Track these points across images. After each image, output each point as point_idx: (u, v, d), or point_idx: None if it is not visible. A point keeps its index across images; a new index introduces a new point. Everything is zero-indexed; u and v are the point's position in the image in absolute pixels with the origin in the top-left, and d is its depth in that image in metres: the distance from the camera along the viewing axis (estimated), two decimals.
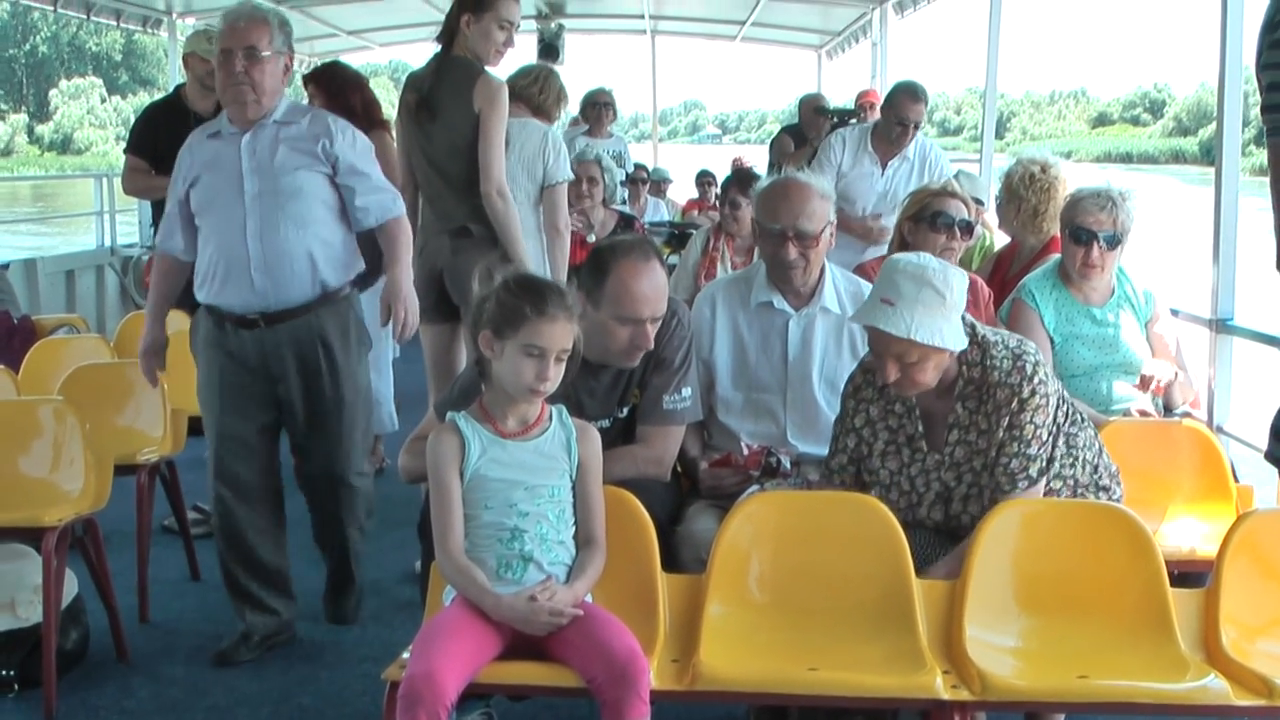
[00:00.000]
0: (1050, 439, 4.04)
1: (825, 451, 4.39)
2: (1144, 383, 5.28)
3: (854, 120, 9.95)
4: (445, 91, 6.05)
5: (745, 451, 4.48)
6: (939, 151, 8.60)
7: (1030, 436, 3.99)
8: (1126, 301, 5.41)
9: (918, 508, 4.14)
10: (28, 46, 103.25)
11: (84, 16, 14.03)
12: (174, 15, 14.66)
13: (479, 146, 5.97)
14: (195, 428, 6.66)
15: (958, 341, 3.94)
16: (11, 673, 5.07)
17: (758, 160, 13.73)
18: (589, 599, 3.66)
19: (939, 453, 4.10)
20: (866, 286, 4.71)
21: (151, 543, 6.00)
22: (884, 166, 8.05)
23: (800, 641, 3.75)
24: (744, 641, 3.72)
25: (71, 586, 5.32)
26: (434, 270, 6.20)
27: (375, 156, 5.54)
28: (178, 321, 7.92)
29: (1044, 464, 4.03)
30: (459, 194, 6.09)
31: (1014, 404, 3.97)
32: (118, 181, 13.89)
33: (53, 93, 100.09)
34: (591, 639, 3.47)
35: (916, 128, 8.07)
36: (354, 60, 10.23)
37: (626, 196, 11.09)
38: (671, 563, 4.01)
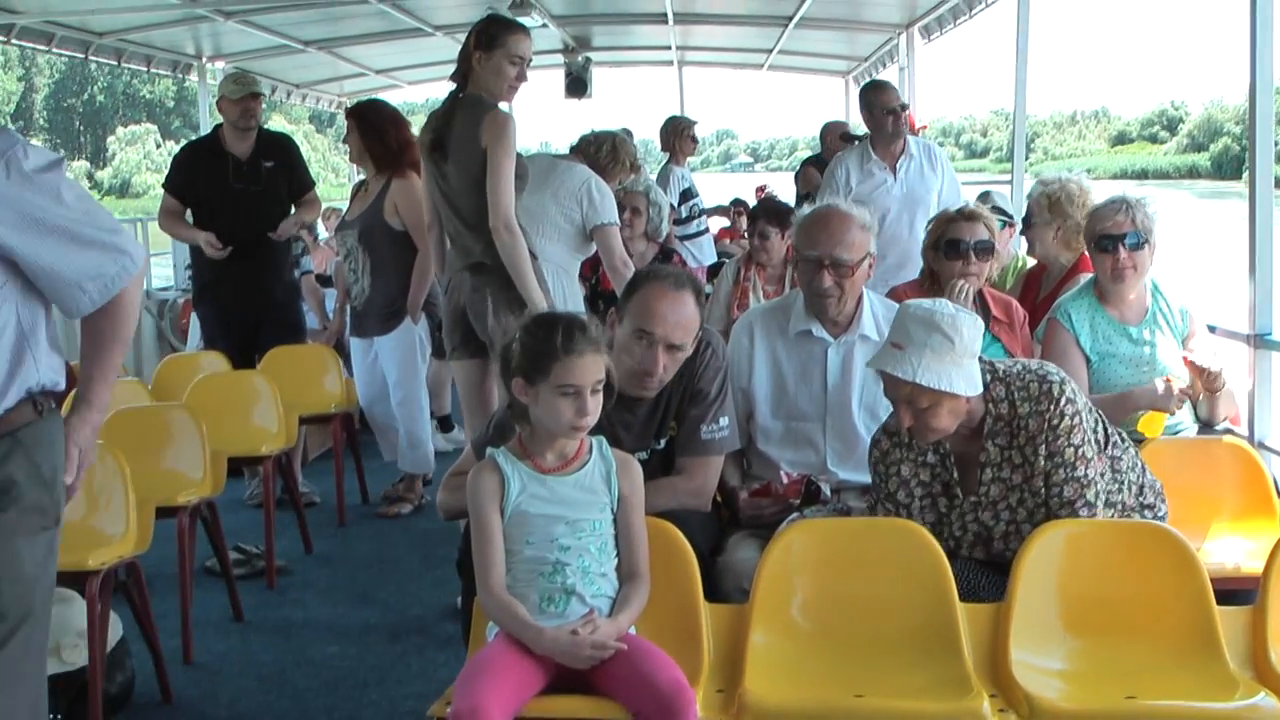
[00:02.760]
0: (1095, 457, 4.01)
1: (866, 479, 4.40)
2: (1194, 369, 5.25)
3: None
4: (458, 129, 6.08)
5: (785, 480, 4.47)
6: (936, 147, 8.72)
7: (1075, 459, 3.96)
8: (1163, 318, 5.39)
9: (958, 551, 4.11)
10: (85, 96, 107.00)
11: (114, 63, 14.15)
12: (203, 59, 14.77)
13: (487, 182, 5.98)
14: (235, 469, 6.72)
15: (970, 387, 3.91)
16: (58, 717, 5.06)
17: (784, 186, 13.73)
18: (633, 631, 3.65)
19: (974, 494, 4.08)
20: None
21: (193, 584, 6.00)
22: (894, 171, 8.06)
23: (845, 669, 3.74)
24: (789, 670, 3.70)
25: (116, 630, 5.34)
26: (459, 307, 6.24)
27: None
28: (214, 364, 8.01)
29: (1099, 488, 4.00)
30: (474, 231, 6.11)
31: (1046, 432, 3.95)
32: (152, 225, 14.04)
33: (110, 139, 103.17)
34: (637, 671, 3.45)
35: (904, 110, 8.14)
36: (389, 98, 10.25)
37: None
38: (713, 593, 4.00)
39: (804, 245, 4.65)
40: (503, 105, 6.13)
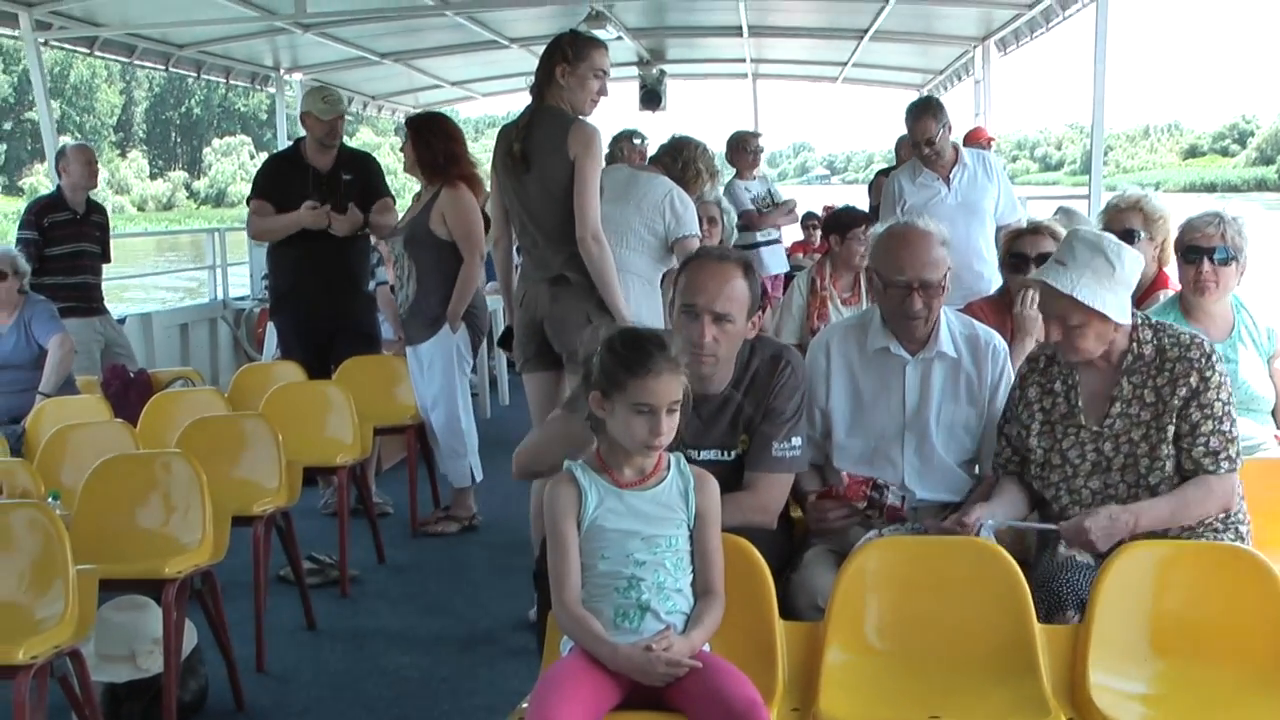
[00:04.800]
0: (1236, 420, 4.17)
1: (944, 498, 4.46)
2: None
3: None
4: (540, 142, 6.07)
5: (844, 481, 4.40)
6: (992, 156, 8.76)
7: (1223, 414, 4.12)
8: (1248, 335, 5.33)
9: (1074, 479, 4.23)
10: (183, 109, 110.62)
11: (194, 75, 14.33)
12: (280, 71, 14.93)
13: (574, 193, 5.97)
14: (309, 478, 6.75)
15: (1120, 314, 4.10)
16: None
17: (860, 199, 13.67)
18: (707, 648, 3.63)
19: (1098, 425, 4.21)
20: (981, 329, 4.69)
21: (267, 593, 6.03)
22: (947, 181, 8.01)
23: (921, 689, 3.69)
24: (864, 689, 3.67)
25: (191, 637, 5.38)
26: (534, 319, 6.22)
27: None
28: (290, 373, 8.07)
29: (1239, 449, 4.16)
30: (555, 243, 6.10)
31: (1194, 380, 4.12)
32: (230, 236, 14.20)
33: (206, 150, 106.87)
34: (711, 689, 3.42)
35: (939, 140, 8.01)
36: (466, 110, 10.38)
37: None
38: (786, 610, 3.96)
39: (889, 269, 4.56)
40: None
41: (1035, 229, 5.71)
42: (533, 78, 6.21)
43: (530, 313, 6.25)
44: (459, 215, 7.66)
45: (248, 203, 8.62)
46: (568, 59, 6.03)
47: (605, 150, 7.34)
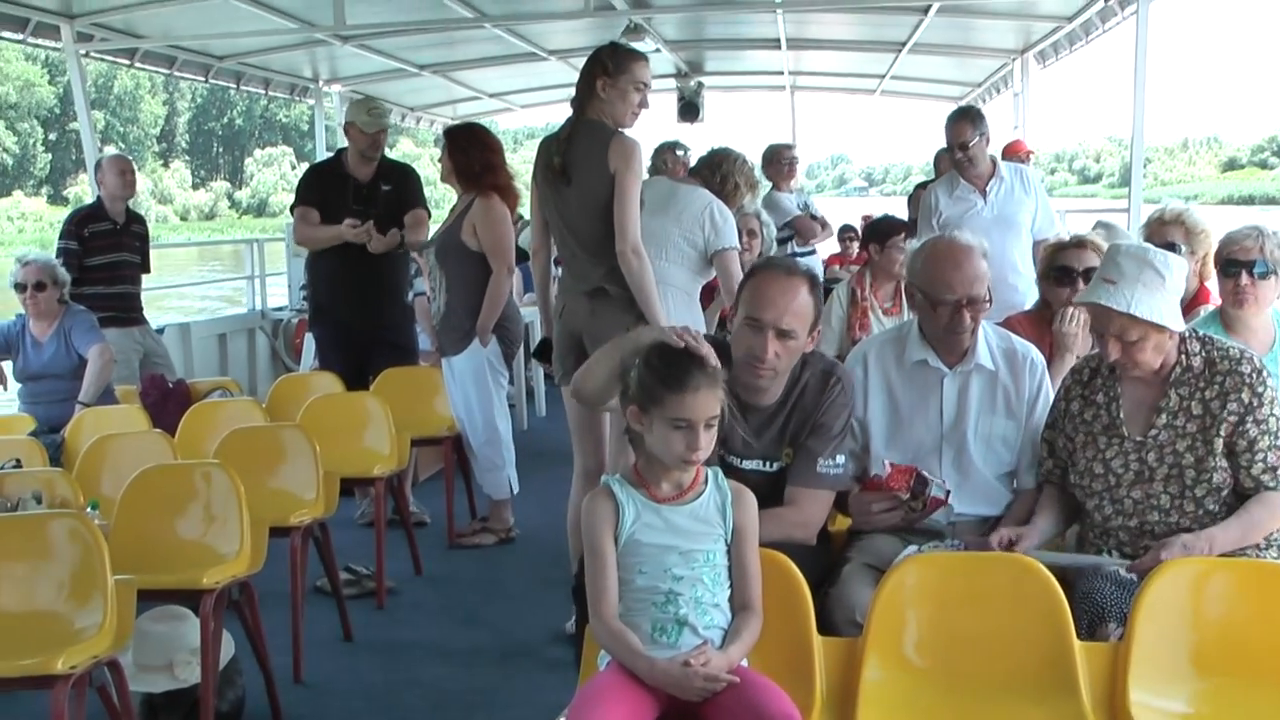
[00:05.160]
0: None
1: (983, 512, 4.46)
2: None
3: None
4: (580, 154, 6.06)
5: (886, 470, 4.36)
6: (1030, 170, 8.76)
7: (1278, 429, 4.13)
8: None
9: (1116, 489, 4.23)
10: (225, 120, 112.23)
11: (234, 86, 14.42)
12: (319, 83, 15.00)
13: (614, 206, 5.95)
14: (346, 489, 6.76)
15: (1176, 321, 4.10)
16: None
17: (898, 211, 13.66)
18: (744, 663, 3.62)
19: (1141, 435, 4.21)
20: (1018, 342, 4.68)
21: (304, 604, 6.04)
22: (984, 194, 8.01)
23: (960, 706, 3.68)
24: (902, 706, 3.65)
25: (228, 648, 5.39)
26: (573, 332, 6.21)
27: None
28: (327, 384, 8.09)
29: None
30: (594, 256, 6.09)
31: (1246, 396, 4.12)
32: (269, 246, 14.25)
33: (248, 161, 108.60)
34: (749, 705, 3.41)
35: (973, 146, 8.01)
36: (505, 122, 10.42)
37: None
38: (823, 626, 3.94)
39: (938, 288, 4.53)
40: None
41: (1079, 243, 5.66)
42: (573, 90, 6.21)
43: (569, 325, 6.25)
44: (489, 226, 7.67)
45: (291, 211, 8.65)
46: (608, 71, 6.03)
47: (647, 163, 7.34)
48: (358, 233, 8.10)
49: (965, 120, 8.06)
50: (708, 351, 3.73)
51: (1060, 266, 5.58)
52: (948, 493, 4.30)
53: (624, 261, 5.96)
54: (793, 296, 4.21)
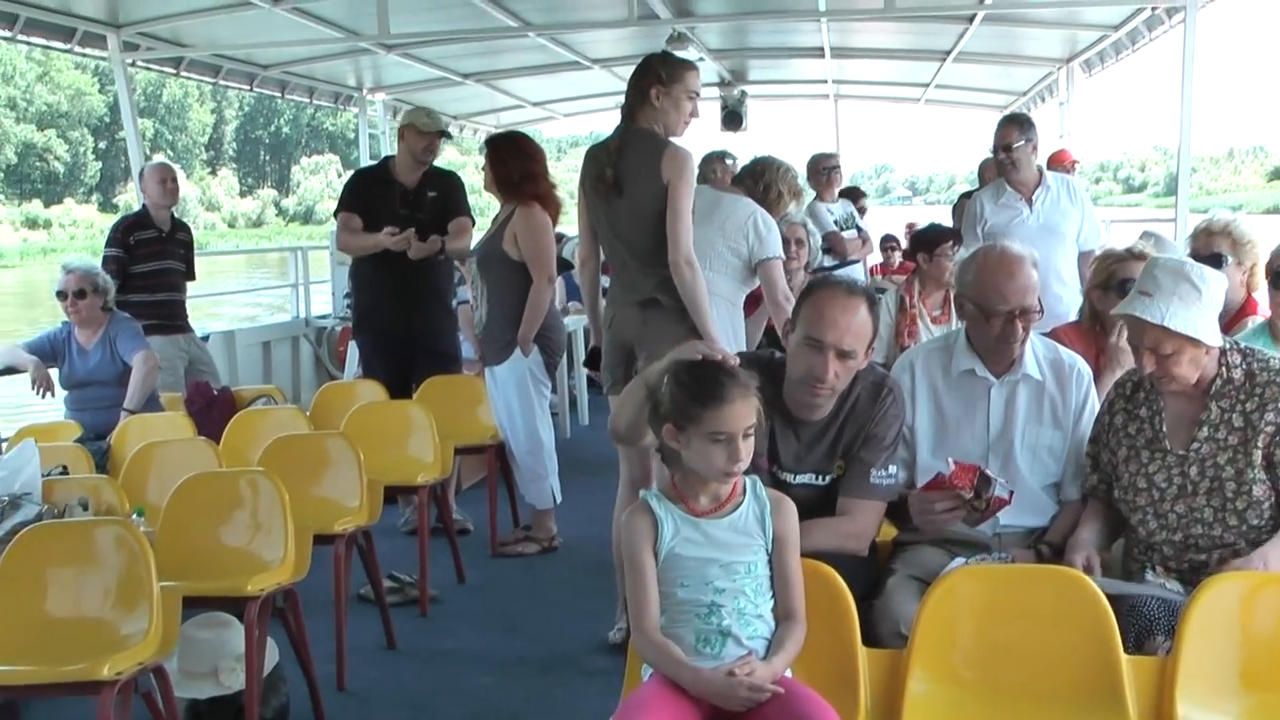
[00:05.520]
0: None
1: (1030, 523, 4.42)
2: None
3: None
4: (632, 165, 6.03)
5: (950, 467, 4.30)
6: (1076, 181, 8.77)
7: None
8: None
9: (1160, 504, 4.20)
10: (272, 128, 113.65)
11: (278, 95, 14.51)
12: (364, 91, 15.06)
13: (668, 217, 5.92)
14: (389, 496, 6.77)
15: (1212, 337, 4.07)
16: None
17: (942, 220, 13.62)
18: (789, 674, 3.60)
19: (1183, 449, 4.18)
20: (1064, 353, 4.64)
21: (348, 611, 6.04)
22: (1030, 203, 7.99)
23: (1005, 719, 3.65)
24: (948, 719, 3.63)
25: (272, 655, 5.40)
26: (624, 343, 6.20)
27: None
28: (371, 392, 8.12)
29: None
30: (646, 266, 6.06)
31: None
32: (313, 254, 14.31)
33: (295, 169, 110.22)
34: (793, 715, 3.40)
35: (1017, 149, 8.01)
36: (548, 130, 10.43)
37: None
38: (868, 637, 3.92)
39: (992, 299, 4.48)
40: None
41: (1140, 255, 5.57)
42: (616, 99, 6.20)
43: (619, 335, 6.23)
44: (530, 236, 7.67)
45: (335, 216, 8.68)
46: (662, 80, 6.00)
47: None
48: (397, 240, 8.13)
49: (1014, 124, 8.10)
50: (733, 360, 3.73)
51: (1126, 279, 5.44)
52: (1011, 493, 4.22)
53: (677, 272, 5.93)
54: (853, 316, 4.18)
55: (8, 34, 10.10)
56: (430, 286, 8.42)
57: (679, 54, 7.30)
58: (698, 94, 6.15)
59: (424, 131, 8.32)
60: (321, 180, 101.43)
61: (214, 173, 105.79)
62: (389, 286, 8.32)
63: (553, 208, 7.82)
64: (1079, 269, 7.64)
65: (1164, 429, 4.22)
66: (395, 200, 8.32)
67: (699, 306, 5.97)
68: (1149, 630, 3.85)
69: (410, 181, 8.38)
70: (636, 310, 6.13)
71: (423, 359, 8.48)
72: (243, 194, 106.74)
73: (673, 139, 6.07)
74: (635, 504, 3.70)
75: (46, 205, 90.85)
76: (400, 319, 8.38)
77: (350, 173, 10.79)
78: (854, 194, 13.35)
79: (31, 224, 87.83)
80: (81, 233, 78.47)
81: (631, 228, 6.07)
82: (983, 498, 4.14)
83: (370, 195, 8.44)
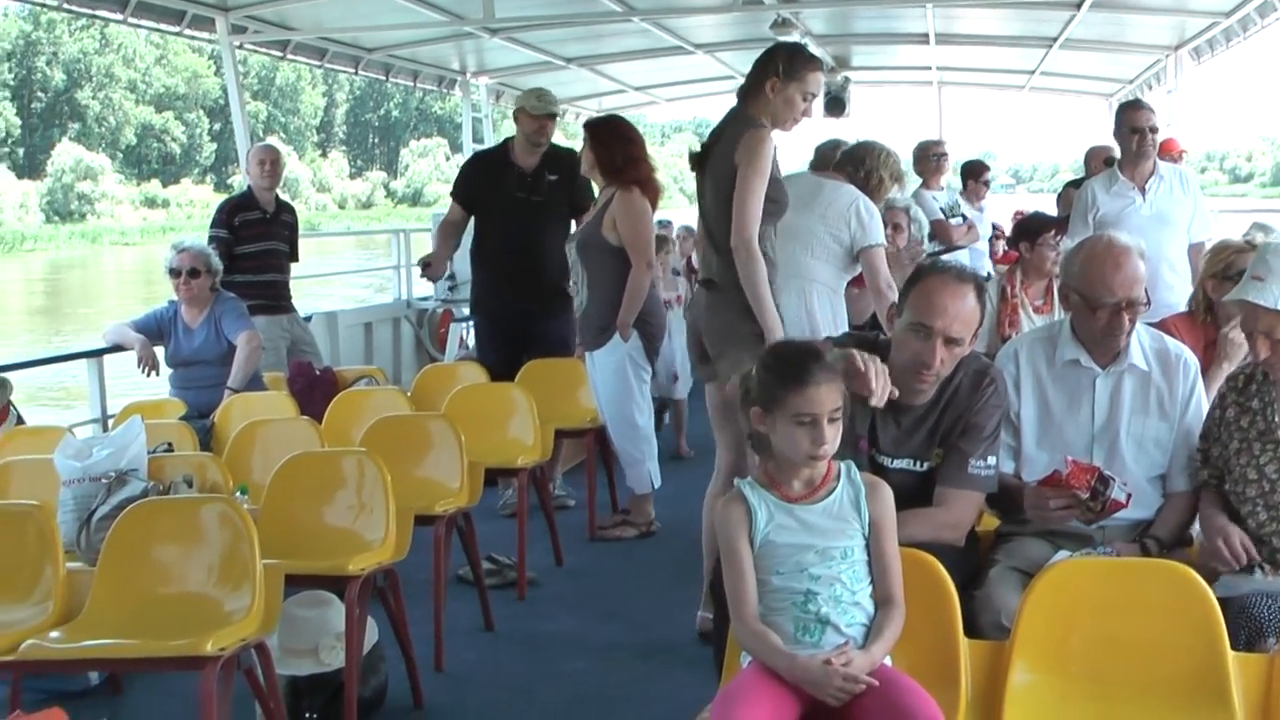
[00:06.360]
0: None
1: (1135, 515, 4.32)
2: None
3: None
4: (720, 145, 6.01)
5: (1067, 465, 4.25)
6: (1189, 172, 8.73)
7: None
8: None
9: (1271, 495, 4.14)
10: (381, 111, 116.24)
11: (383, 78, 14.61)
12: (467, 75, 15.12)
13: (734, 200, 5.86)
14: (489, 478, 6.79)
15: None
16: (314, 716, 5.21)
17: (1046, 209, 13.47)
18: (888, 662, 3.57)
19: None
20: (1170, 343, 4.57)
21: (446, 592, 6.07)
22: (1143, 192, 7.89)
23: (1108, 713, 3.61)
24: (1050, 712, 3.58)
25: (372, 634, 5.45)
26: (694, 320, 6.25)
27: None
28: (472, 374, 8.15)
29: None
30: (715, 247, 6.03)
31: None
32: (415, 237, 14.41)
33: (404, 152, 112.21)
34: (894, 706, 3.37)
35: (1153, 132, 7.96)
36: (652, 115, 10.43)
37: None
38: (968, 628, 3.88)
39: (1099, 291, 4.42)
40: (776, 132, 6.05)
41: (1255, 246, 5.49)
42: (718, 84, 6.19)
43: (692, 313, 6.32)
44: (629, 220, 7.66)
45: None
46: (779, 74, 5.92)
47: (805, 160, 7.27)
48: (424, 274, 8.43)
49: (1146, 108, 8.09)
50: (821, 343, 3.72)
51: (1242, 270, 5.35)
52: (1128, 495, 4.17)
53: (736, 257, 5.86)
54: (961, 303, 4.15)
55: (119, 17, 10.24)
56: (546, 268, 8.41)
57: (781, 39, 7.25)
58: (814, 94, 6.06)
59: (534, 115, 8.35)
60: (430, 163, 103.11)
61: (325, 155, 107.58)
62: (508, 268, 8.36)
63: (652, 192, 7.80)
64: (1190, 260, 7.53)
65: (1276, 419, 4.16)
66: (513, 183, 8.37)
67: (758, 293, 5.85)
68: (1259, 632, 3.78)
69: (528, 164, 8.42)
70: (701, 290, 6.18)
71: (536, 340, 8.51)
72: (352, 176, 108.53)
73: (758, 127, 5.96)
74: (729, 493, 3.70)
75: (164, 185, 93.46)
76: (516, 300, 8.42)
77: (459, 159, 10.87)
78: (976, 170, 13.17)
79: (150, 203, 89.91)
80: (198, 212, 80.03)
81: (710, 208, 6.05)
82: (1099, 499, 4.08)
83: (487, 179, 8.49)
